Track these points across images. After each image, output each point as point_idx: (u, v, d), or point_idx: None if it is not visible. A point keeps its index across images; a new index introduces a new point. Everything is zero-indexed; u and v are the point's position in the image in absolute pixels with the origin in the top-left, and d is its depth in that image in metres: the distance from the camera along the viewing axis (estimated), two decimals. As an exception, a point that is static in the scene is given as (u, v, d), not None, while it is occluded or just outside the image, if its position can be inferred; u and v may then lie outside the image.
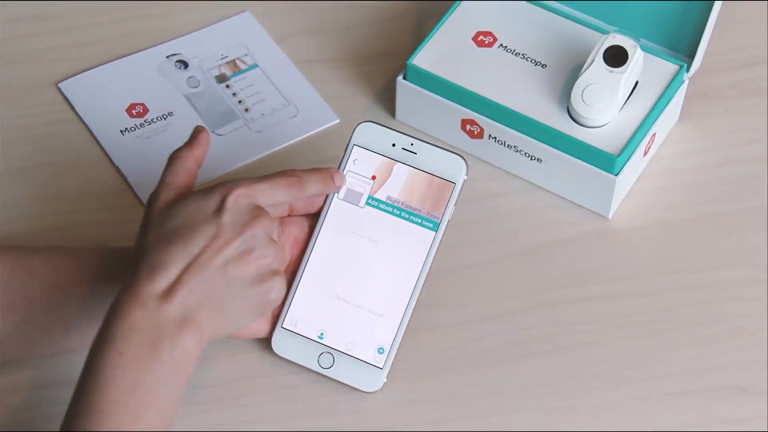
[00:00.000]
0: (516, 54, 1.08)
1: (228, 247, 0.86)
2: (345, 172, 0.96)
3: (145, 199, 1.05)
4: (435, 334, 0.98)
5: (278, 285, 0.89)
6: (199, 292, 0.85)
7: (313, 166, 1.06)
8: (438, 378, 0.96)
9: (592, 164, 1.03)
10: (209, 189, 0.89)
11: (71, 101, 1.11)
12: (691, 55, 1.07)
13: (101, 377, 0.81)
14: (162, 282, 0.84)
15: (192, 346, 0.84)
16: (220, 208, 0.87)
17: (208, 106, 1.11)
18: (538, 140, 1.04)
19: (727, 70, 1.14)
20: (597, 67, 1.03)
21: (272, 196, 0.90)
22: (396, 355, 0.94)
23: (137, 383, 0.81)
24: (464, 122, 1.06)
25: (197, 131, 0.93)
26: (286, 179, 0.91)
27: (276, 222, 0.90)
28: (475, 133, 1.06)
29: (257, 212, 0.88)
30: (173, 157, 0.91)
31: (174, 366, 0.83)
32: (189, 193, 0.89)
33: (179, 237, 0.86)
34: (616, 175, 1.02)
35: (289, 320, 0.95)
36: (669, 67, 1.07)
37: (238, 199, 0.88)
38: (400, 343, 0.94)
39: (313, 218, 0.96)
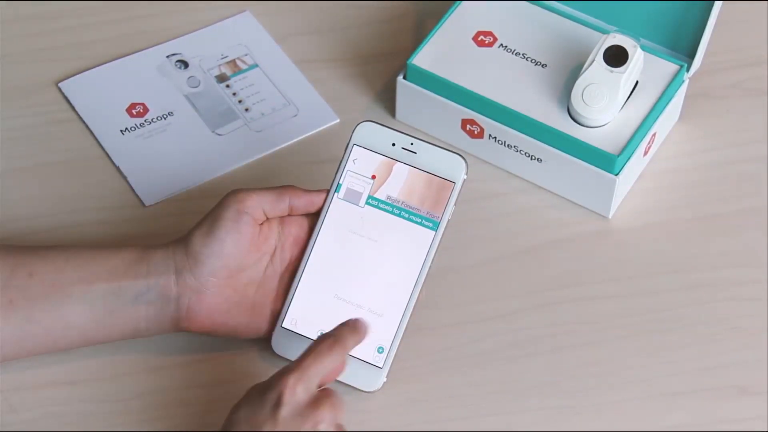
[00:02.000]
0: (516, 54, 1.08)
1: None
2: (345, 171, 0.96)
3: (145, 198, 1.05)
4: (435, 334, 0.98)
5: None
6: None
7: (313, 166, 1.07)
8: (438, 378, 0.96)
9: (593, 164, 1.03)
10: (264, 384, 0.86)
11: (71, 101, 1.11)
12: (691, 55, 1.07)
13: None
14: None
15: None
16: (277, 405, 0.85)
17: (208, 106, 1.11)
18: (538, 140, 1.04)
19: (728, 70, 1.14)
20: (597, 66, 1.03)
21: (322, 367, 0.87)
22: (396, 354, 0.94)
23: None
24: (464, 122, 1.06)
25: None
26: (324, 344, 0.88)
27: (342, 409, 0.87)
28: (475, 132, 1.06)
29: (319, 402, 0.86)
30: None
31: None
32: (247, 394, 0.87)
33: None
34: (616, 174, 1.02)
35: (288, 320, 0.95)
36: (669, 67, 1.07)
37: (294, 388, 0.85)
38: (400, 343, 0.94)
39: (313, 218, 0.96)
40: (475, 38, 1.09)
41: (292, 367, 0.86)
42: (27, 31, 1.16)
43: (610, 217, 1.05)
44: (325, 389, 0.87)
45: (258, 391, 0.86)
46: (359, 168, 0.96)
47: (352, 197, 0.96)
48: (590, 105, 1.03)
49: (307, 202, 0.96)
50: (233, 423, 0.86)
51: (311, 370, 0.86)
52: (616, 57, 1.03)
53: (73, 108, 1.11)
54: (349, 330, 0.90)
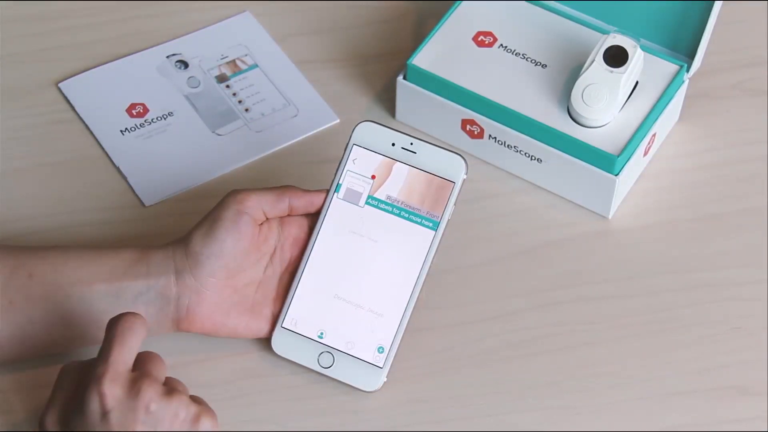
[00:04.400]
0: (516, 54, 1.08)
1: None
2: (345, 171, 0.96)
3: (145, 198, 1.05)
4: (435, 334, 0.98)
5: (209, 420, 0.84)
6: None
7: (313, 166, 1.07)
8: (438, 378, 0.96)
9: (593, 164, 1.03)
10: (79, 400, 0.83)
11: (71, 101, 1.11)
12: (691, 55, 1.07)
13: None
14: None
15: None
16: (104, 414, 0.82)
17: (208, 106, 1.11)
18: (538, 140, 1.04)
19: (728, 70, 1.14)
20: (597, 67, 1.03)
21: (128, 351, 0.84)
22: (396, 354, 0.94)
23: None
24: (464, 122, 1.06)
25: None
26: (123, 328, 0.85)
27: (158, 381, 0.84)
28: (475, 133, 1.06)
29: (136, 385, 0.83)
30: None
31: None
32: (66, 416, 0.84)
33: None
34: (616, 175, 1.02)
35: (289, 320, 0.95)
36: (669, 67, 1.07)
37: (111, 389, 0.82)
38: (400, 343, 0.94)
39: (313, 218, 0.96)
40: (475, 38, 1.09)
41: (100, 368, 0.83)
42: (27, 31, 1.15)
43: (610, 217, 1.05)
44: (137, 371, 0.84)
45: (77, 405, 0.83)
46: (359, 168, 0.96)
47: (352, 197, 0.96)
48: (590, 105, 1.03)
49: (306, 203, 0.96)
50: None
51: (119, 363, 0.83)
52: (616, 57, 1.03)
53: (73, 108, 1.11)
54: (131, 319, 0.86)
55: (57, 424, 0.84)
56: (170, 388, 0.84)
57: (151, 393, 0.83)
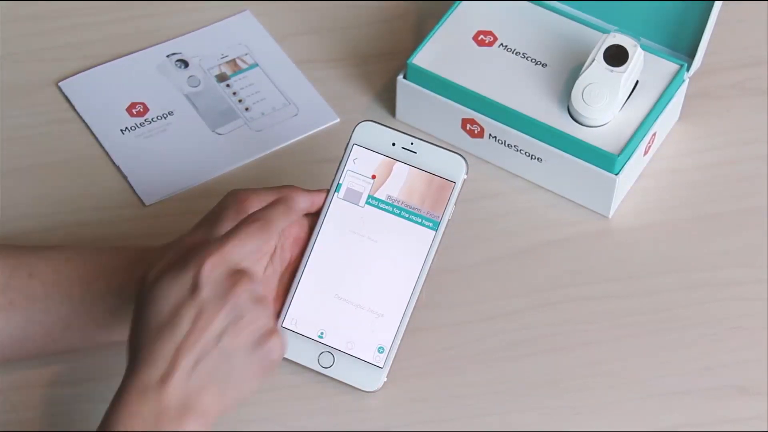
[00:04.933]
0: (516, 53, 1.08)
1: (214, 323, 0.85)
2: (345, 171, 0.96)
3: (145, 198, 1.05)
4: (435, 334, 0.98)
5: (277, 345, 0.87)
6: (198, 374, 0.84)
7: (313, 166, 1.07)
8: (438, 378, 0.96)
9: (593, 163, 1.03)
10: (180, 264, 0.86)
11: (71, 101, 1.11)
12: (691, 55, 1.07)
13: None
14: (156, 371, 0.83)
15: None
16: (195, 286, 0.85)
17: (208, 106, 1.11)
18: (539, 140, 1.04)
19: (728, 70, 1.14)
20: (597, 66, 1.03)
21: (245, 249, 0.88)
22: (396, 354, 0.94)
23: None
24: (464, 121, 1.06)
25: None
26: (253, 226, 0.88)
27: (258, 278, 0.88)
28: (476, 132, 1.06)
29: (235, 278, 0.86)
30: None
31: None
32: (162, 274, 0.86)
33: (164, 326, 0.84)
34: (616, 174, 1.02)
35: (289, 320, 0.95)
36: (669, 67, 1.07)
37: (212, 270, 0.85)
38: (400, 343, 0.94)
39: (313, 217, 0.96)
40: (475, 38, 1.09)
41: (213, 247, 0.86)
42: (27, 31, 1.15)
43: (610, 216, 1.05)
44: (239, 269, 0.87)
45: (173, 273, 0.86)
46: (359, 168, 0.96)
47: (352, 197, 0.96)
48: (590, 104, 1.03)
49: (307, 202, 0.96)
50: (152, 303, 0.85)
51: (233, 253, 0.87)
52: (616, 56, 1.03)
53: (73, 108, 1.11)
54: (281, 212, 0.91)
55: (155, 280, 0.86)
56: (262, 296, 0.87)
57: (249, 287, 0.86)
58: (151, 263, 0.88)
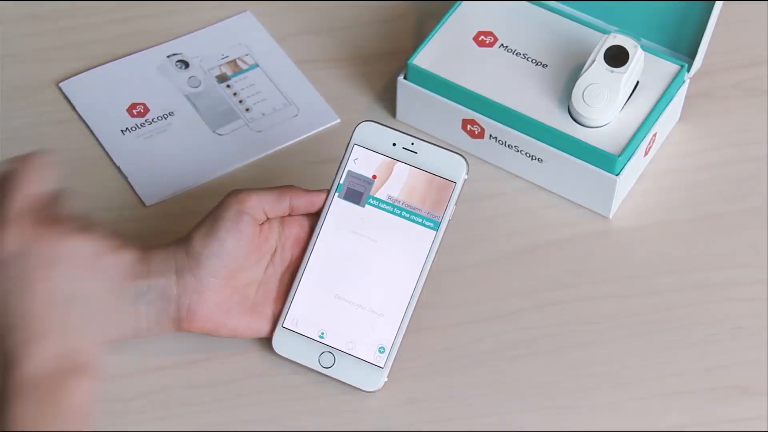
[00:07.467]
0: (517, 54, 1.08)
1: None
2: (345, 171, 0.96)
3: (145, 198, 1.05)
4: (435, 334, 0.98)
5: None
6: None
7: (314, 166, 1.07)
8: (438, 378, 0.96)
9: (593, 164, 1.03)
10: None
11: (72, 101, 1.11)
12: (692, 55, 1.07)
13: None
14: None
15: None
16: None
17: (208, 106, 1.11)
18: (539, 140, 1.04)
19: (728, 70, 1.14)
20: (598, 67, 1.03)
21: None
22: (396, 354, 0.94)
23: None
24: (465, 122, 1.06)
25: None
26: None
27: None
28: (476, 132, 1.06)
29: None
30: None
31: None
32: None
33: None
34: (616, 175, 1.02)
35: (289, 320, 0.95)
36: (670, 67, 1.07)
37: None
38: (401, 343, 0.94)
39: (314, 218, 0.96)
40: (475, 38, 1.09)
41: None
42: (27, 31, 1.16)
43: (610, 217, 1.05)
44: None
45: None
46: (360, 168, 0.96)
47: (353, 197, 0.96)
48: (591, 105, 1.03)
49: (307, 202, 0.96)
50: None
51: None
52: (616, 57, 1.03)
53: (73, 108, 1.11)
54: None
55: None
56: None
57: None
58: None
